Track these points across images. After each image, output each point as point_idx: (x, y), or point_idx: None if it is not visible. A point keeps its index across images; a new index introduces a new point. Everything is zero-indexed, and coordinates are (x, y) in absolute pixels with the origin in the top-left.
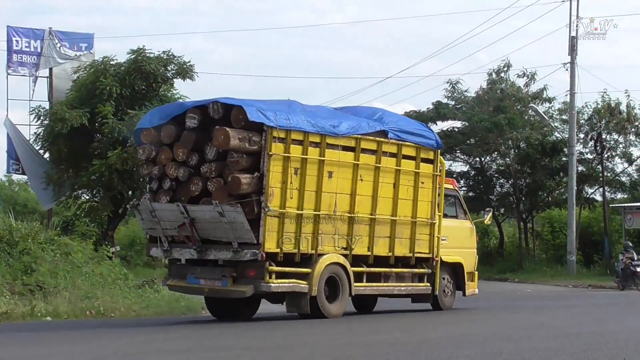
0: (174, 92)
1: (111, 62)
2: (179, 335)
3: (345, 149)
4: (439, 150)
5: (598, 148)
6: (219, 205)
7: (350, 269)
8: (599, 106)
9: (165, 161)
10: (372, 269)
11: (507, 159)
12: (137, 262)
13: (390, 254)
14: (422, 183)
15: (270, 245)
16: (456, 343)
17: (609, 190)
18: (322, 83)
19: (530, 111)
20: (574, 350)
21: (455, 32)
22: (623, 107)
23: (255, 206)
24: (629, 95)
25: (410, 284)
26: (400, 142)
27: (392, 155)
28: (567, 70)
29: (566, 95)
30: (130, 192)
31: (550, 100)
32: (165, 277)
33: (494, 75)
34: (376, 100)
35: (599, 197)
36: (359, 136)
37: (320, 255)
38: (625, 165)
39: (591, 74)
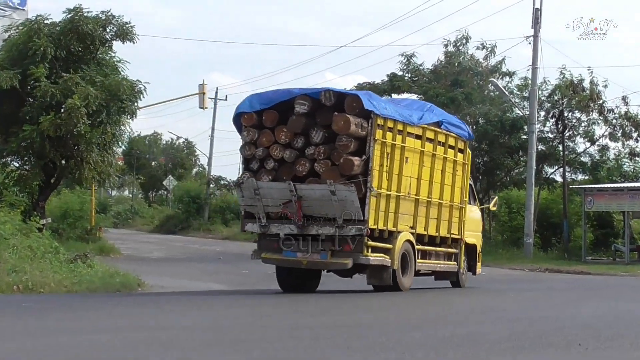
0: (112, 54)
1: (45, 22)
2: (107, 314)
3: (416, 137)
4: (468, 141)
5: (559, 126)
6: (332, 184)
7: (416, 247)
8: (561, 83)
9: (267, 143)
10: (428, 247)
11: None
12: (69, 235)
13: (437, 234)
14: (457, 170)
15: (371, 222)
16: (408, 326)
17: (569, 170)
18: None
19: (490, 86)
20: (529, 336)
21: (413, 2)
22: (586, 84)
23: (363, 186)
24: (592, 72)
25: (445, 262)
26: (448, 133)
27: (442, 144)
28: (529, 43)
29: (528, 70)
30: (63, 161)
31: (510, 74)
32: (254, 251)
33: (450, 47)
34: (328, 70)
35: (558, 178)
36: (425, 126)
37: (399, 232)
38: (587, 145)
39: (555, 49)
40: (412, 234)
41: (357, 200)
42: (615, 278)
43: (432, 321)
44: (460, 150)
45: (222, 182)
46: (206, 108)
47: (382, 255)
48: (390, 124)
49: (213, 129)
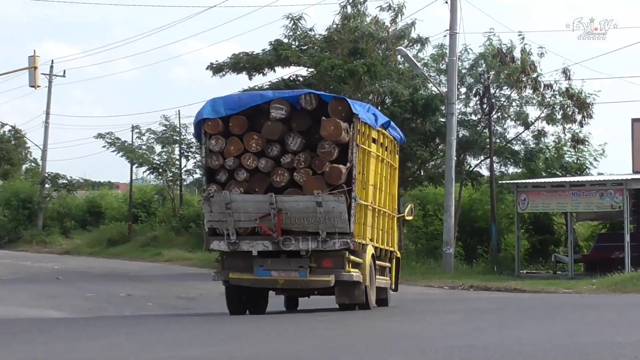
0: None
1: None
2: None
3: (373, 141)
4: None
5: (485, 107)
6: (319, 195)
7: (375, 261)
8: (487, 51)
9: (236, 152)
10: (381, 262)
11: None
12: None
13: (384, 246)
14: (393, 176)
15: (356, 235)
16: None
17: (497, 161)
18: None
19: (397, 56)
20: None
21: None
22: (517, 54)
23: (347, 196)
24: (523, 38)
25: (383, 277)
26: (391, 137)
27: (387, 149)
28: (446, 3)
29: (445, 36)
30: None
31: (422, 41)
32: (217, 272)
33: (348, 8)
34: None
35: (485, 171)
36: (380, 129)
37: (366, 245)
38: (520, 129)
39: (477, 9)
40: (374, 247)
41: (345, 211)
42: (556, 296)
43: (333, 349)
44: (395, 154)
45: (61, 182)
46: (39, 87)
47: (355, 270)
48: (363, 128)
49: (48, 113)
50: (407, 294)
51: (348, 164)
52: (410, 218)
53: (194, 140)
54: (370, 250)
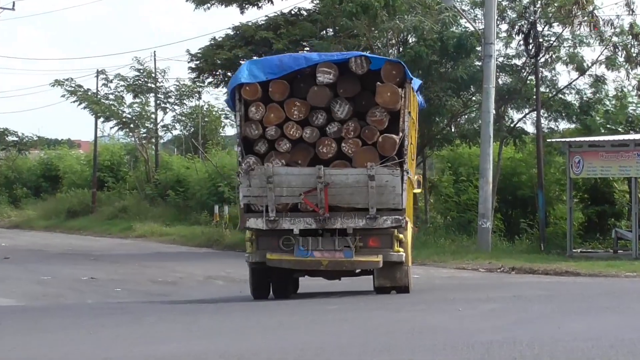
0: None
1: None
2: None
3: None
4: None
5: (531, 47)
6: (373, 167)
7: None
8: None
9: (277, 120)
10: None
11: None
12: None
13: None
14: (415, 145)
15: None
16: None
17: (546, 115)
18: None
19: None
20: None
21: None
22: None
23: (399, 169)
24: None
25: None
26: (417, 102)
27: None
28: None
29: None
30: None
31: None
32: (252, 252)
33: None
34: None
35: (530, 127)
36: (414, 93)
37: (407, 222)
38: (573, 75)
39: None
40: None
41: (399, 185)
42: (617, 281)
43: (353, 346)
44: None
45: (9, 139)
46: None
47: (402, 249)
48: (411, 95)
49: None
50: (434, 278)
51: (400, 134)
52: (419, 191)
53: (172, 89)
54: (410, 227)
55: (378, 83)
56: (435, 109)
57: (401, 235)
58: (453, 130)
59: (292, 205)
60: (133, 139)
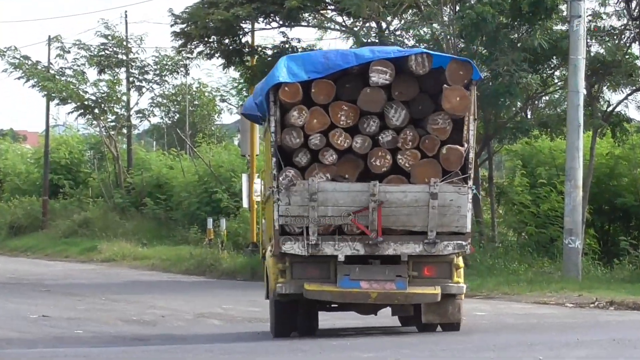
0: None
1: None
2: None
3: None
4: None
5: (635, 6)
6: (436, 184)
7: None
8: None
9: (320, 127)
10: None
11: (438, 27)
12: None
13: None
14: None
15: None
16: None
17: None
18: None
19: None
20: None
21: None
22: None
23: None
24: None
25: None
26: None
27: None
28: None
29: None
30: None
31: None
32: (286, 282)
33: None
34: None
35: (634, 112)
36: None
37: None
38: None
39: None
40: None
41: (466, 205)
42: None
43: None
44: None
45: None
46: None
47: (461, 280)
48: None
49: None
50: (505, 316)
51: (465, 144)
52: None
53: (150, 62)
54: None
55: (445, 85)
56: (504, 87)
57: (461, 264)
58: (529, 116)
59: (335, 227)
60: (98, 128)
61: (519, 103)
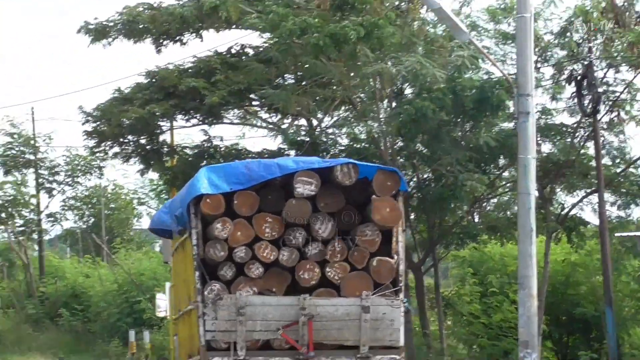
0: None
1: None
2: None
3: None
4: None
5: (588, 102)
6: (368, 297)
7: None
8: (587, 5)
9: (244, 240)
10: None
11: (374, 124)
12: None
13: None
14: None
15: None
16: None
17: (613, 196)
18: None
19: (423, 10)
20: None
21: None
22: None
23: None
24: None
25: None
26: None
27: None
28: None
29: None
30: None
31: None
32: None
33: None
34: None
35: (591, 216)
36: None
37: None
38: None
39: None
40: None
41: (399, 319)
42: None
43: None
44: None
45: None
46: None
47: None
48: None
49: None
50: None
51: (395, 257)
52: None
53: (61, 162)
54: None
55: (374, 197)
56: (449, 190)
57: None
58: (477, 220)
59: (263, 342)
60: (5, 234)
61: (465, 206)
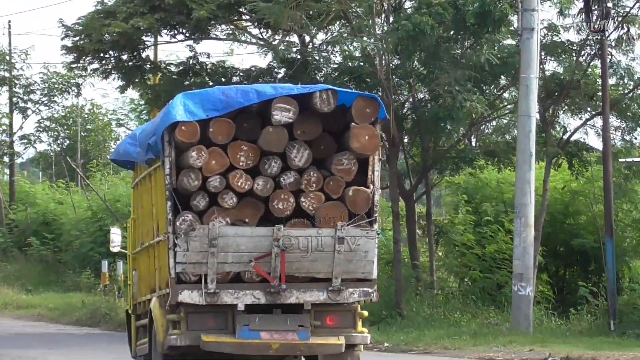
0: None
1: None
2: None
3: None
4: None
5: (595, 17)
6: (344, 228)
7: None
8: None
9: (219, 168)
10: None
11: (369, 41)
12: None
13: None
14: None
15: None
16: None
17: (619, 122)
18: None
19: None
20: None
21: None
22: None
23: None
24: None
25: None
26: None
27: None
28: None
29: None
30: None
31: None
32: (180, 333)
33: None
34: None
35: (594, 140)
36: None
37: None
38: None
39: None
40: None
41: (373, 250)
42: None
43: None
44: None
45: None
46: None
47: (365, 330)
48: None
49: None
50: None
51: (370, 186)
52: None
53: (37, 79)
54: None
55: (353, 124)
56: (445, 111)
57: (365, 312)
58: (474, 144)
59: (234, 274)
60: None
61: (462, 129)
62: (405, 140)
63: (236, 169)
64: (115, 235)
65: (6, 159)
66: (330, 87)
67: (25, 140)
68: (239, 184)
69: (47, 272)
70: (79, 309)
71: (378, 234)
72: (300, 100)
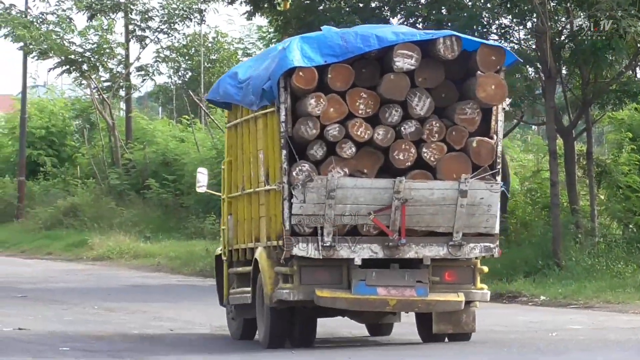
0: None
1: None
2: None
3: None
4: None
5: None
6: (467, 181)
7: None
8: None
9: (338, 116)
10: None
11: None
12: None
13: None
14: None
15: None
16: None
17: None
18: None
19: None
20: None
21: None
22: None
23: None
24: None
25: None
26: None
27: None
28: None
29: None
30: None
31: None
32: (294, 286)
33: None
34: None
35: None
36: None
37: None
38: None
39: None
40: None
41: (496, 204)
42: None
43: None
44: None
45: None
46: None
47: (485, 286)
48: None
49: None
50: (607, 330)
51: (494, 137)
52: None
53: (155, 5)
54: None
55: (479, 72)
56: (604, 40)
57: (485, 267)
58: (639, 76)
59: (350, 227)
60: (88, 90)
61: (625, 60)
62: (564, 71)
63: (355, 117)
64: (201, 175)
65: (122, 93)
66: (454, 33)
67: (143, 72)
68: (359, 132)
69: (168, 218)
70: (202, 258)
71: (502, 187)
72: (423, 46)
